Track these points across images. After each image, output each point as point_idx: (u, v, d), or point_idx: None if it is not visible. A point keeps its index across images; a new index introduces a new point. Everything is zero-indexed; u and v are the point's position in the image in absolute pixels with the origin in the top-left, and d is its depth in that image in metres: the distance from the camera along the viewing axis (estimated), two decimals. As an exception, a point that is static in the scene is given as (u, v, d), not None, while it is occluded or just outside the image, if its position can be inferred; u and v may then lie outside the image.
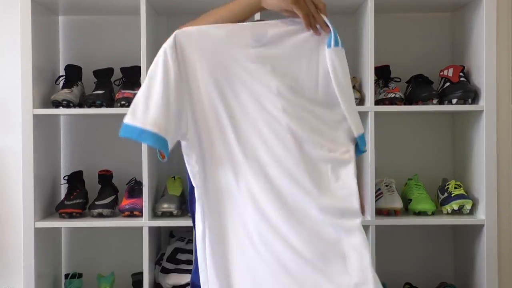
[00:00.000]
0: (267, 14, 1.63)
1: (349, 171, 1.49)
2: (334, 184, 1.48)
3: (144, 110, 1.44)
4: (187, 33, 1.49)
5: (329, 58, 1.49)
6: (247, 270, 1.47)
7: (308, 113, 1.51)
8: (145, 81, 1.47)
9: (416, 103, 2.54)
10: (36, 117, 2.45)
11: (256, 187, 1.47)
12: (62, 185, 2.73)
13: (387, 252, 2.69)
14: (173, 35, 1.48)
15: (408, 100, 2.59)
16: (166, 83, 1.44)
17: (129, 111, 1.46)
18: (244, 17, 1.55)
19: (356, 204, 1.48)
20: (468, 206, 2.50)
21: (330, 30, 1.49)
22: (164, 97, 1.44)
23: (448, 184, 2.60)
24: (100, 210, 2.52)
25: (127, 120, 1.45)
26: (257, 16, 2.36)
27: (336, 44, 1.49)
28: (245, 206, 1.48)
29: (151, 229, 2.48)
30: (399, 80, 2.63)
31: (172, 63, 1.45)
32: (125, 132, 1.45)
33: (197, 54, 1.47)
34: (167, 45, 1.47)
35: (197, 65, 1.47)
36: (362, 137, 1.55)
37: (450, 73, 2.56)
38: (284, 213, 1.46)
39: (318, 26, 1.50)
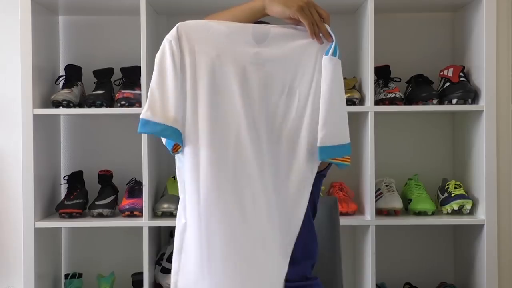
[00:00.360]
0: (269, 20, 1.63)
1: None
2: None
3: (162, 105, 1.45)
4: (189, 26, 1.50)
5: (324, 65, 1.49)
6: (221, 257, 1.48)
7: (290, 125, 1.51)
8: (155, 73, 1.47)
9: (416, 103, 2.54)
10: (36, 117, 2.45)
11: (233, 183, 1.48)
12: (62, 185, 2.73)
13: (387, 252, 2.69)
14: (175, 26, 1.49)
15: (408, 100, 2.59)
16: (176, 77, 1.46)
17: (146, 105, 1.46)
18: (247, 22, 1.56)
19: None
20: (468, 206, 2.50)
21: (333, 40, 1.50)
22: (176, 91, 1.46)
23: (448, 184, 2.60)
24: (100, 210, 2.52)
25: (146, 116, 1.45)
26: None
27: (335, 54, 1.49)
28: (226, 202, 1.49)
29: (151, 229, 2.48)
30: (399, 80, 2.63)
31: (177, 55, 1.46)
32: (145, 128, 1.45)
33: (198, 46, 1.48)
34: (171, 37, 1.48)
35: (197, 57, 1.48)
36: (329, 148, 1.49)
37: (450, 73, 2.56)
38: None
39: (321, 35, 1.50)
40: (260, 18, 1.56)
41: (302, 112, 1.51)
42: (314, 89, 1.51)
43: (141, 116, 1.45)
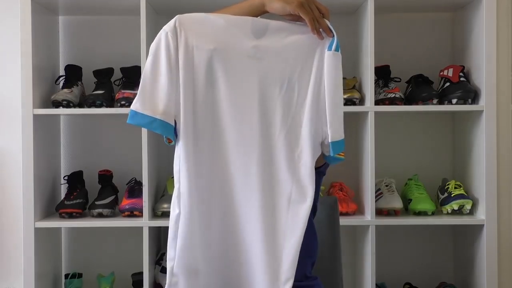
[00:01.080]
0: (269, 18, 1.63)
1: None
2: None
3: (152, 97, 1.47)
4: (188, 18, 1.50)
5: (328, 60, 1.50)
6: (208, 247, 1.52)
7: (291, 118, 1.52)
8: (148, 64, 1.48)
9: (416, 103, 2.54)
10: (36, 117, 2.45)
11: (223, 177, 1.49)
12: (62, 185, 2.73)
13: (387, 252, 2.69)
14: (174, 18, 1.49)
15: (408, 100, 2.59)
16: (169, 69, 1.46)
17: (136, 97, 1.48)
18: None
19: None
20: (468, 206, 2.50)
21: (334, 35, 1.50)
22: (168, 84, 1.46)
23: (448, 184, 2.60)
24: (100, 210, 2.52)
25: (135, 107, 1.48)
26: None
27: (337, 49, 1.50)
28: (221, 192, 1.50)
29: (151, 229, 2.48)
30: (399, 80, 2.63)
31: (173, 48, 1.47)
32: (133, 120, 1.48)
33: (195, 39, 1.48)
34: (168, 28, 1.48)
35: (194, 51, 1.48)
36: (337, 143, 1.52)
37: (450, 73, 2.56)
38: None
39: (321, 30, 1.51)
40: (259, 15, 1.56)
41: (302, 106, 1.51)
42: (313, 83, 1.51)
43: (130, 107, 1.48)
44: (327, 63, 1.50)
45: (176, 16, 1.50)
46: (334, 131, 1.50)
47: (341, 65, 1.51)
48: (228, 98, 1.48)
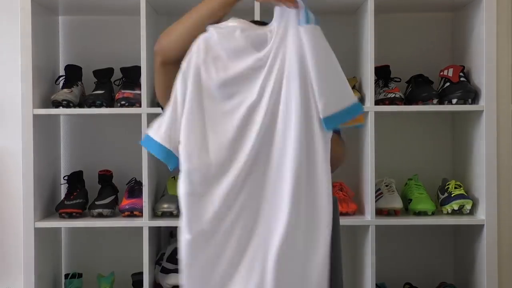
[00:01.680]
0: (266, 14, 1.63)
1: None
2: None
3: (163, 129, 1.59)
4: (209, 40, 1.49)
5: (301, 36, 1.42)
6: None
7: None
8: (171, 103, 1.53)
9: (416, 103, 2.54)
10: (36, 117, 2.45)
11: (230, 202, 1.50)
12: (62, 185, 2.73)
13: (387, 252, 2.69)
14: (197, 42, 1.49)
15: (408, 100, 2.59)
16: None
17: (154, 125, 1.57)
18: (224, 12, 1.52)
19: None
20: (468, 206, 2.50)
21: (302, 7, 1.42)
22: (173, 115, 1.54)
23: (448, 184, 2.60)
24: (100, 210, 2.52)
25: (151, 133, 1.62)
26: (257, 16, 2.36)
27: (308, 21, 1.42)
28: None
29: (151, 229, 2.48)
30: (399, 80, 2.63)
31: (181, 86, 1.50)
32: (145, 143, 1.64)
33: (206, 67, 1.49)
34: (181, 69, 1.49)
35: (202, 76, 1.49)
36: (331, 117, 1.43)
37: (450, 73, 2.56)
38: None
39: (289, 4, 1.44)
40: (233, 4, 1.51)
41: (306, 99, 1.45)
42: (297, 69, 1.44)
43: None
44: (304, 40, 1.42)
45: (198, 40, 1.49)
46: (324, 106, 1.42)
47: (321, 34, 1.43)
48: (241, 113, 1.47)
